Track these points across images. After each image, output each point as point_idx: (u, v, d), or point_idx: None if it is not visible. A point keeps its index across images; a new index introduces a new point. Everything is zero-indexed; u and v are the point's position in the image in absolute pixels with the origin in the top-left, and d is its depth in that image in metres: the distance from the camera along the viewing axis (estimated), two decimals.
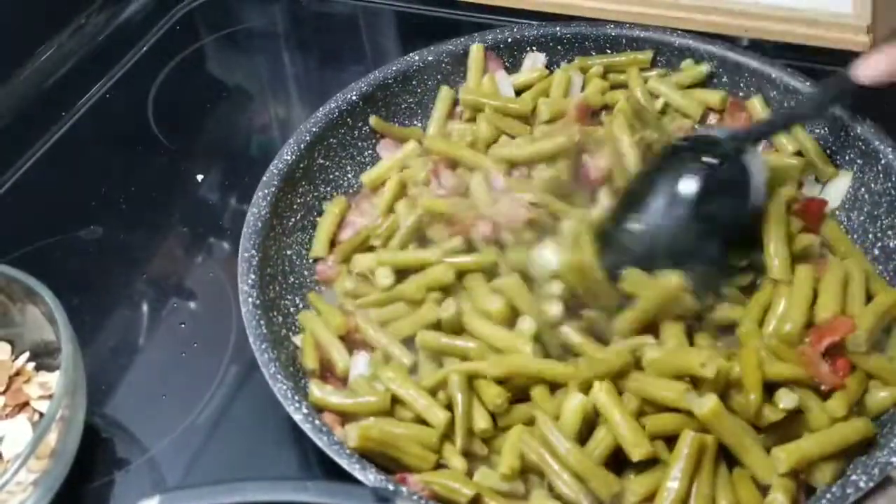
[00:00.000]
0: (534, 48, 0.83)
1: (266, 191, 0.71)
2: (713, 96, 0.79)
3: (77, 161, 0.88)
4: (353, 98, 0.79)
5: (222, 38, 1.04)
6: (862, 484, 0.53)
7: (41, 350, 0.66)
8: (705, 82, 0.81)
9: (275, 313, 0.67)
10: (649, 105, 0.78)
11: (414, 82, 0.82)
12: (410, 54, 0.82)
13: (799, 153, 0.74)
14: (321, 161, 0.77)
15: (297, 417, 0.58)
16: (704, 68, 0.80)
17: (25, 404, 0.64)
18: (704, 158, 0.66)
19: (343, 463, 0.55)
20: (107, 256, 0.79)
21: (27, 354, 0.66)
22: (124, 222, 0.82)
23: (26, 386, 0.64)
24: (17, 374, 0.65)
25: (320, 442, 0.56)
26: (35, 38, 0.98)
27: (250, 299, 0.64)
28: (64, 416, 0.58)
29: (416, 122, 0.83)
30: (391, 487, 0.54)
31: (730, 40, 0.85)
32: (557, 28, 0.83)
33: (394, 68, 0.81)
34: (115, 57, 0.99)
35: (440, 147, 0.76)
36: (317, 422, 0.58)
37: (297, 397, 0.59)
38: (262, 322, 0.63)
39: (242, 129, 0.93)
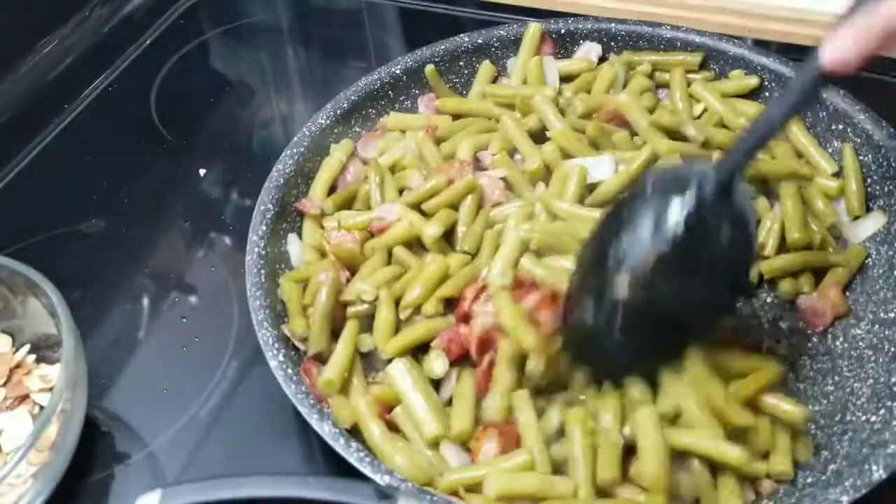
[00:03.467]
0: (584, 41, 0.83)
1: (294, 150, 0.73)
2: (754, 108, 0.77)
3: (79, 154, 0.88)
4: (397, 72, 0.80)
5: (226, 33, 1.04)
6: None
7: (42, 343, 0.66)
8: (754, 95, 0.79)
9: (281, 265, 0.68)
10: (686, 110, 0.76)
11: (461, 63, 0.82)
12: (460, 35, 0.82)
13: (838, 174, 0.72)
14: (357, 129, 0.78)
15: (273, 364, 0.59)
16: (753, 80, 0.78)
17: (26, 397, 0.64)
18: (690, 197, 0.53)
19: (304, 412, 0.56)
20: (108, 250, 0.79)
21: (28, 347, 0.66)
22: (126, 216, 0.82)
23: (27, 378, 0.64)
24: (18, 366, 0.65)
25: (288, 391, 0.58)
26: (38, 31, 0.98)
27: (256, 249, 0.67)
28: (64, 409, 0.58)
29: None
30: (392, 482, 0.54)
31: (735, 39, 0.85)
32: (612, 25, 0.83)
33: (442, 47, 0.82)
34: (118, 50, 0.99)
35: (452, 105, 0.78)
36: (290, 370, 0.59)
37: (277, 345, 0.60)
38: (262, 272, 0.65)
39: (245, 123, 0.92)
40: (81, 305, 0.69)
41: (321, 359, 0.63)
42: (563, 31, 0.83)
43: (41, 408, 0.63)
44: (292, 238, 0.71)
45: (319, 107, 0.77)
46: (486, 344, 0.60)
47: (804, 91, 0.53)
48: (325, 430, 0.56)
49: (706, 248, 0.53)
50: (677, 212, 0.53)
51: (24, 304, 0.65)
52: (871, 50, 0.50)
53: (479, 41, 0.82)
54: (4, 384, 0.64)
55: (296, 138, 0.74)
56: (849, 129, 0.73)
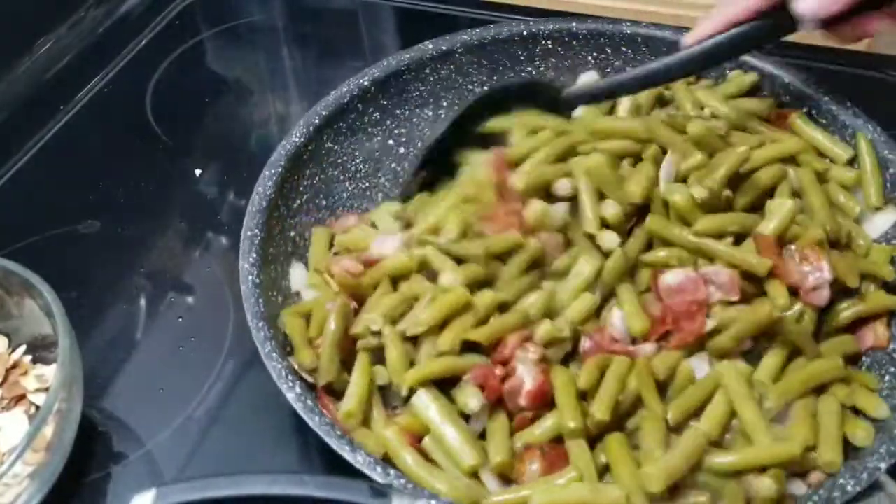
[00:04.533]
0: (549, 43, 0.82)
1: (272, 171, 0.71)
2: (760, 105, 0.75)
3: (75, 155, 0.88)
4: (366, 83, 0.78)
5: (221, 33, 1.04)
6: (850, 488, 0.52)
7: (38, 343, 0.66)
8: (755, 93, 0.78)
9: (275, 293, 0.67)
10: (691, 115, 0.74)
11: (427, 70, 0.81)
12: (424, 43, 0.81)
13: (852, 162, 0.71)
14: (329, 145, 0.76)
15: (290, 396, 0.57)
16: (751, 77, 0.77)
17: (22, 397, 0.64)
18: None
19: (333, 443, 0.55)
20: (104, 250, 0.79)
21: (24, 347, 0.66)
22: (122, 216, 0.82)
23: (23, 379, 0.64)
24: (14, 366, 0.65)
25: (312, 423, 0.56)
26: (33, 32, 0.98)
27: (250, 277, 0.64)
28: (60, 409, 0.58)
29: (426, 111, 0.82)
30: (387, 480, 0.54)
31: None
32: (573, 24, 0.82)
33: (408, 56, 0.80)
34: (113, 51, 0.99)
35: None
36: (309, 402, 0.57)
37: (290, 377, 0.59)
38: (260, 300, 0.63)
39: (241, 123, 0.92)
40: (77, 306, 0.69)
41: (332, 391, 0.61)
42: (524, 33, 0.82)
43: (37, 408, 0.63)
44: (296, 266, 0.70)
45: (314, 105, 0.77)
46: (536, 399, 0.59)
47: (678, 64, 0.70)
48: (358, 460, 0.54)
49: None
50: None
51: (19, 305, 0.65)
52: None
53: (443, 48, 0.81)
54: (1, 385, 0.64)
55: (272, 158, 0.72)
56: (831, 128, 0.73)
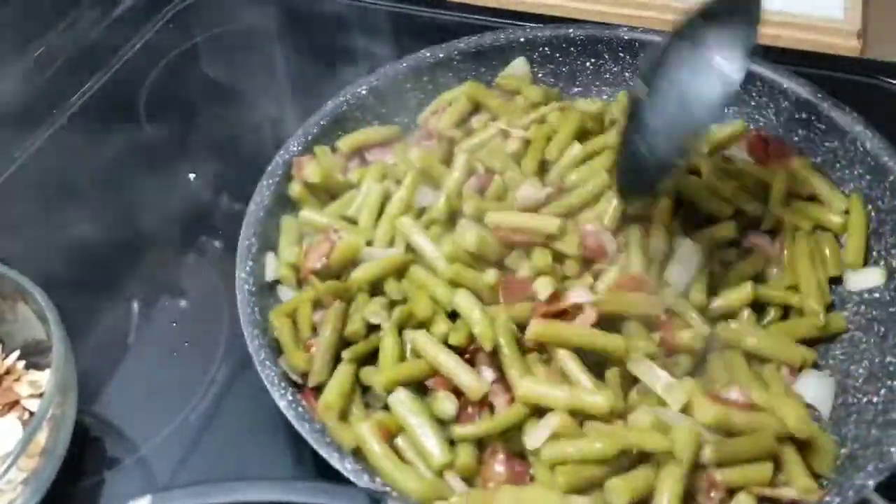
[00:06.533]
0: (518, 49, 0.83)
1: (270, 181, 0.72)
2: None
3: (68, 158, 0.88)
4: (363, 92, 0.78)
5: (215, 37, 1.04)
6: None
7: (32, 348, 0.65)
8: None
9: (273, 301, 0.67)
10: None
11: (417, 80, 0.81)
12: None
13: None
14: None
15: (282, 404, 0.58)
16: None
17: (15, 403, 0.63)
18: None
19: (323, 451, 0.56)
20: (98, 255, 0.79)
21: (17, 353, 0.66)
22: (116, 220, 0.82)
23: (16, 384, 0.64)
24: (8, 372, 0.65)
25: (303, 430, 0.57)
26: (27, 35, 0.98)
27: (246, 286, 0.65)
28: (54, 414, 0.58)
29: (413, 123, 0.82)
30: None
31: None
32: (547, 31, 0.83)
33: (405, 65, 0.81)
34: (107, 54, 0.99)
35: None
36: (300, 409, 0.58)
37: (283, 384, 0.59)
38: (255, 309, 0.64)
39: (235, 127, 0.92)
40: (71, 310, 0.69)
41: (320, 389, 0.62)
42: (496, 44, 0.82)
43: (31, 414, 0.63)
44: (270, 256, 0.69)
45: (308, 110, 0.78)
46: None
47: None
48: (347, 468, 0.55)
49: None
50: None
51: (13, 310, 0.65)
52: None
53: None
54: None
55: (269, 168, 0.72)
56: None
